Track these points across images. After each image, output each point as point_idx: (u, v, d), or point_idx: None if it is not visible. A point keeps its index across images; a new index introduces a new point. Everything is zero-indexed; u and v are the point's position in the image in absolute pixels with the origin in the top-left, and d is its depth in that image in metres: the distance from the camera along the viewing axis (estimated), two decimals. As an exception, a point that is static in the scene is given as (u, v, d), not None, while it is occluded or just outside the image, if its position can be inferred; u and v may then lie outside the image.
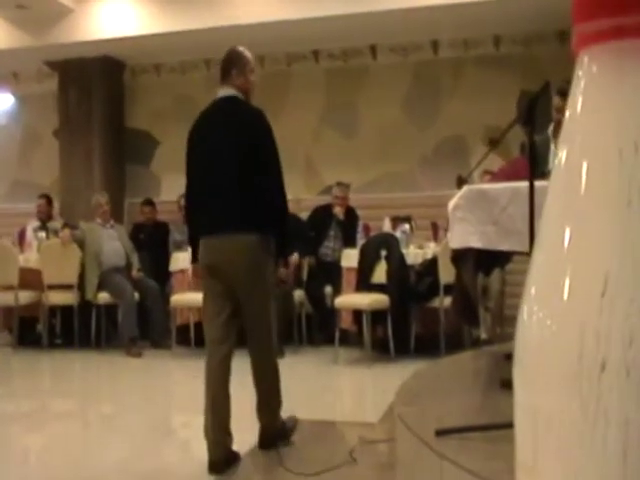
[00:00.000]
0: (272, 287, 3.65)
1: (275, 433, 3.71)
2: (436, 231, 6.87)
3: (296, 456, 3.63)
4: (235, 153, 3.46)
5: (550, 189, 0.44)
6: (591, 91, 0.44)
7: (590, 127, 0.43)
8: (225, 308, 3.53)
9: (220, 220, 3.47)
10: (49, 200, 8.16)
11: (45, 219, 7.98)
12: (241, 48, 3.71)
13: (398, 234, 6.56)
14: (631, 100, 0.42)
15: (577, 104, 0.44)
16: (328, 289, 6.82)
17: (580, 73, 0.44)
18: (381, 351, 6.21)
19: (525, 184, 2.30)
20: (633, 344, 0.38)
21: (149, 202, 8.21)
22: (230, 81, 3.60)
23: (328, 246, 7.11)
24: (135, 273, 7.22)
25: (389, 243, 6.36)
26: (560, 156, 0.44)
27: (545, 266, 0.43)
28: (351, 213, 7.30)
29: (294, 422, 3.85)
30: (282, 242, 3.61)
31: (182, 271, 6.99)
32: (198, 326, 6.73)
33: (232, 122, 3.53)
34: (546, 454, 0.41)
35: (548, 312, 0.41)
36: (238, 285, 3.49)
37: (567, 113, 0.45)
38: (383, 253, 6.27)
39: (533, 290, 0.43)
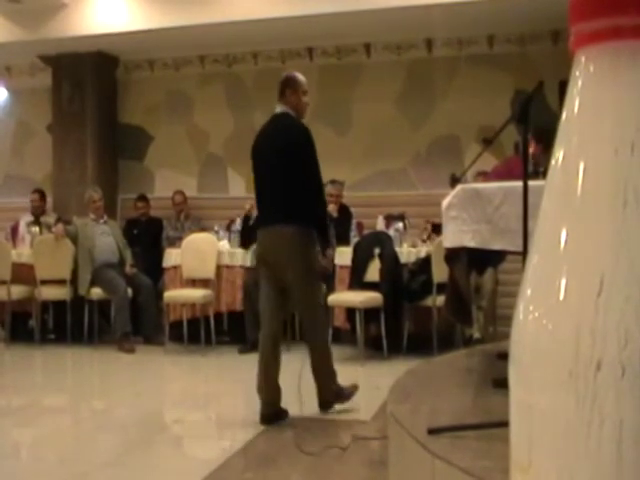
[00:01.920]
0: (316, 272, 4.24)
1: (330, 395, 4.23)
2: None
3: (288, 452, 3.64)
4: (282, 161, 4.11)
5: (546, 189, 0.44)
6: (588, 91, 0.43)
7: (587, 127, 0.43)
8: (274, 290, 4.15)
9: (269, 215, 4.16)
10: (42, 195, 8.12)
11: (39, 214, 7.95)
12: (295, 73, 4.40)
13: (391, 232, 6.55)
14: (628, 100, 0.42)
15: (574, 104, 0.44)
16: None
17: (577, 73, 0.44)
18: (374, 349, 6.20)
19: (518, 183, 2.30)
20: (628, 344, 0.38)
21: (143, 198, 8.17)
22: (284, 99, 4.27)
23: (321, 243, 7.10)
24: (128, 269, 7.20)
25: (382, 241, 6.36)
26: (557, 156, 0.44)
27: (541, 266, 0.43)
28: (345, 211, 7.28)
29: (353, 389, 4.38)
30: (320, 235, 4.26)
31: (175, 267, 6.98)
32: (191, 323, 6.73)
33: (280, 135, 4.20)
34: (541, 453, 0.41)
35: (544, 312, 0.42)
36: (282, 269, 4.09)
37: (564, 113, 0.44)
38: (376, 251, 6.26)
39: (529, 290, 0.43)
